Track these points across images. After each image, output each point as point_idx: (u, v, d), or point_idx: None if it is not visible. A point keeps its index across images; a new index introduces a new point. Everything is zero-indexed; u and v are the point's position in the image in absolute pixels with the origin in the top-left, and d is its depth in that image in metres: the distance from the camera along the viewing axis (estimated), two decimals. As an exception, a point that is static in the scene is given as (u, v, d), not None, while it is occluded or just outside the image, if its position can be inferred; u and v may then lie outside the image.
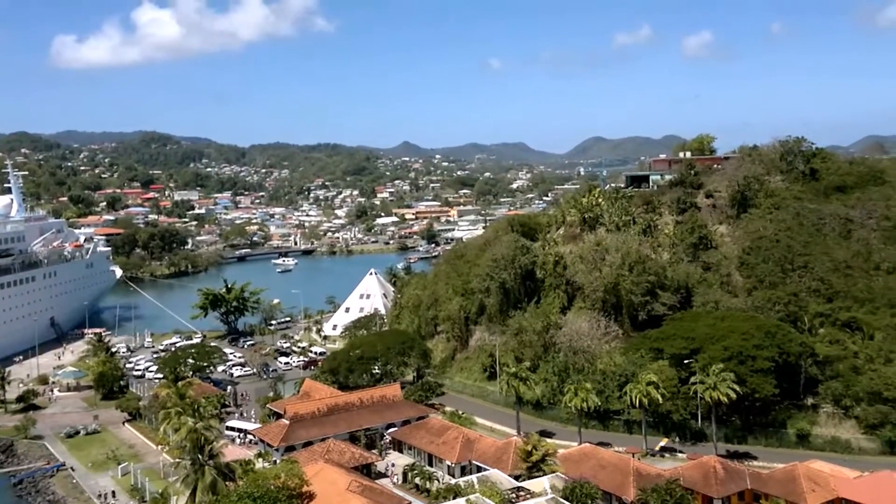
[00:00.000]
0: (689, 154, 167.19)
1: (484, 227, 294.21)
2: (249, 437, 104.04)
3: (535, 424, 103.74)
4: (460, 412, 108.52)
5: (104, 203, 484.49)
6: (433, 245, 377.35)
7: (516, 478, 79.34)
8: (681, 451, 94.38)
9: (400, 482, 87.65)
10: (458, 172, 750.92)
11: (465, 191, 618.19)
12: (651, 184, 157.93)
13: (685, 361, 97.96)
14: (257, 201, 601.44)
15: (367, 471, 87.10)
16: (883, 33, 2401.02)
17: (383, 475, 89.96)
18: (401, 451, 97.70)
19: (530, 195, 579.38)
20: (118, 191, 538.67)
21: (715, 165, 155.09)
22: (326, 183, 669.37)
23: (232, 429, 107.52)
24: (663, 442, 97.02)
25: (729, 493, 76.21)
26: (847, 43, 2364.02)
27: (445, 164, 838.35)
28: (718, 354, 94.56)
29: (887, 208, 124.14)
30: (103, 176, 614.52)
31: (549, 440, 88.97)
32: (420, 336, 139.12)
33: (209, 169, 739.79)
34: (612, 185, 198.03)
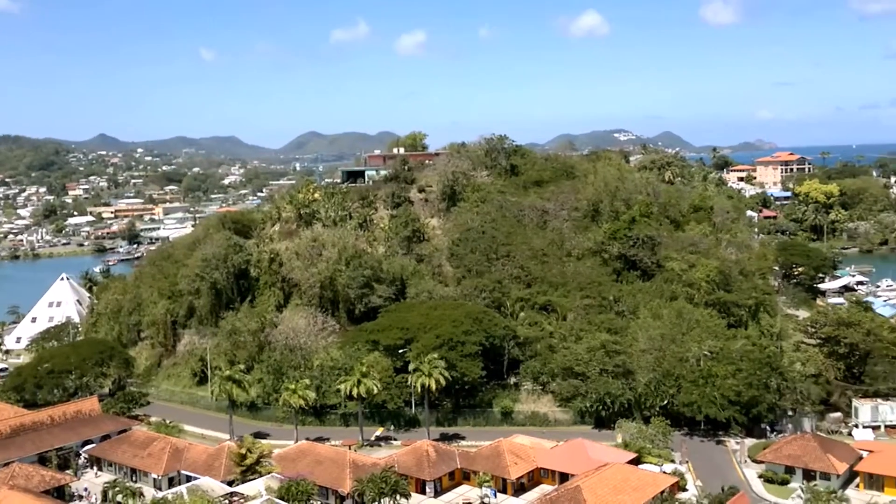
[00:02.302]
0: (402, 150, 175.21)
1: (193, 226, 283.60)
2: None
3: (251, 426, 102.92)
4: (168, 421, 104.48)
5: None
6: (136, 245, 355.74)
7: (230, 483, 78.61)
8: (396, 439, 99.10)
9: (99, 502, 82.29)
10: (164, 167, 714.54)
11: (171, 187, 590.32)
12: (367, 179, 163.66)
13: (400, 351, 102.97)
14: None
15: (59, 494, 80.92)
16: (573, 42, 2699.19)
17: (80, 496, 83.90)
18: (100, 469, 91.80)
19: (244, 191, 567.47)
20: None
21: (427, 161, 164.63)
22: (7, 179, 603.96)
23: None
24: (379, 431, 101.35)
25: (440, 474, 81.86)
26: (542, 50, 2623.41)
27: (149, 158, 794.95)
28: (431, 342, 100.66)
29: (577, 200, 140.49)
30: None
31: (264, 441, 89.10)
32: (121, 344, 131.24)
33: None
34: (329, 180, 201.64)
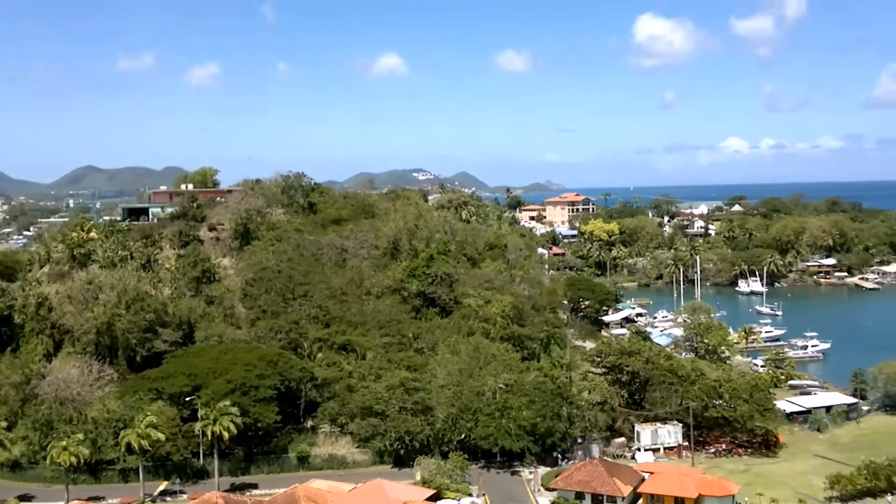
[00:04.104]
0: (191, 186, 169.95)
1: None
2: None
3: (14, 489, 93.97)
4: None
5: None
6: None
7: (-14, 555, 71.08)
8: (183, 492, 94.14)
9: None
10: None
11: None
12: (151, 217, 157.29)
13: (187, 399, 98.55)
14: None
15: None
16: (372, 82, 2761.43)
17: None
18: None
19: (7, 230, 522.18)
20: None
21: (219, 198, 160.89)
22: None
23: None
24: (163, 486, 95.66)
25: (232, 525, 78.63)
26: (342, 88, 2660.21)
27: None
28: (222, 388, 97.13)
29: (376, 238, 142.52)
30: None
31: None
32: None
33: None
34: (108, 218, 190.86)
